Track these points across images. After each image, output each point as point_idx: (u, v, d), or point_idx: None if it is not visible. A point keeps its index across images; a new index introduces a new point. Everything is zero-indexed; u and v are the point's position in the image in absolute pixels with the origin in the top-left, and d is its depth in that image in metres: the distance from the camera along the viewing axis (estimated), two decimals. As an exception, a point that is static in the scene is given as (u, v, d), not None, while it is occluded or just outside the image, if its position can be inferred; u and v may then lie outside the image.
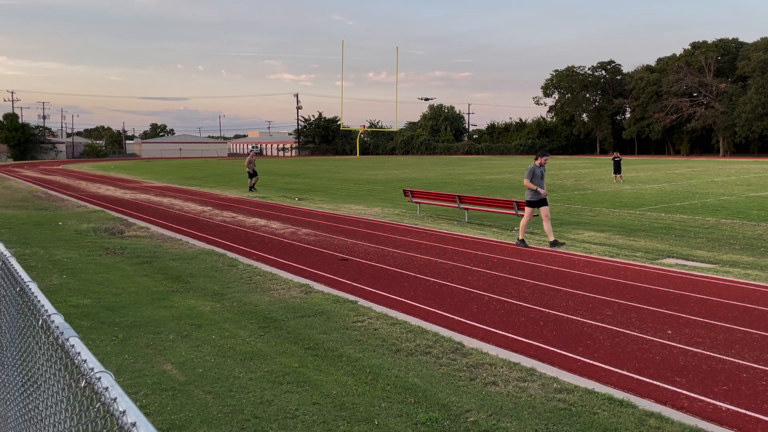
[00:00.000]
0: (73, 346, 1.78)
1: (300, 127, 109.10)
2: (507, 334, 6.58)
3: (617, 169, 30.16)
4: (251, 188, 26.50)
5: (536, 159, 12.17)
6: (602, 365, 5.68)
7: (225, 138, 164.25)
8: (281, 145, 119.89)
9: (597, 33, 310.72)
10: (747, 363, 5.68)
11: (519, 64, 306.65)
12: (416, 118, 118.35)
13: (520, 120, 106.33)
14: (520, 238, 11.96)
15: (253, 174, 26.78)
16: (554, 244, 11.78)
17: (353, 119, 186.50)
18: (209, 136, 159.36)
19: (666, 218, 16.13)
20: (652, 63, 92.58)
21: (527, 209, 12.14)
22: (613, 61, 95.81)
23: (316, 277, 9.36)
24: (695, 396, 4.99)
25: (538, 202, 12.01)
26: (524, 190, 24.59)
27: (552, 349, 6.13)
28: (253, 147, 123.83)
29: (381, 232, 13.73)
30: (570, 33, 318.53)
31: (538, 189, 11.95)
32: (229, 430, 4.36)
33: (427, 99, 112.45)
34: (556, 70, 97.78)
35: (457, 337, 6.48)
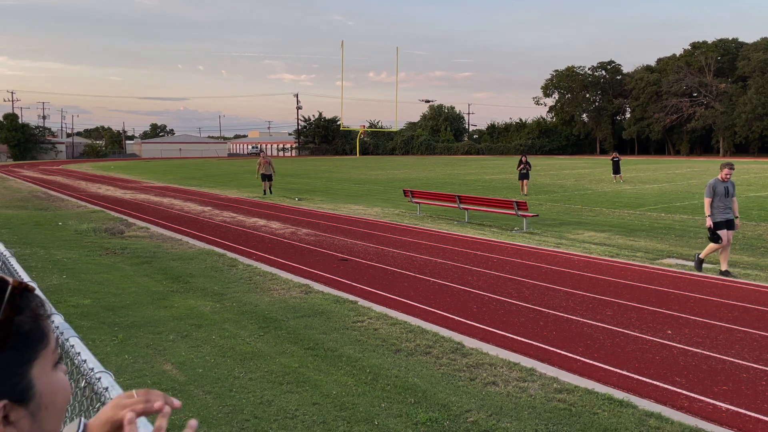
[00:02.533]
0: (73, 346, 1.78)
1: (300, 127, 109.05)
2: (507, 334, 6.58)
3: (616, 169, 30.07)
4: (269, 191, 24.19)
5: (720, 170, 9.82)
6: (602, 365, 5.68)
7: (225, 138, 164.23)
8: (281, 145, 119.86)
9: (597, 33, 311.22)
10: (747, 363, 5.68)
11: (519, 64, 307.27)
12: (416, 118, 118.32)
13: (520, 120, 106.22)
14: (723, 269, 9.49)
15: (267, 177, 24.43)
16: (725, 273, 9.48)
17: (353, 119, 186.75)
18: (209, 136, 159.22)
19: (666, 218, 16.13)
20: (652, 63, 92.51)
21: (720, 233, 9.52)
22: (613, 61, 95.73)
23: (316, 277, 9.36)
24: (695, 396, 4.99)
25: (726, 223, 9.62)
26: (516, 191, 24.29)
27: (552, 349, 6.13)
28: (253, 147, 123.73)
29: (381, 232, 13.72)
30: (570, 33, 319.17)
31: (711, 215, 9.63)
32: (229, 430, 4.36)
33: (428, 101, 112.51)
34: (556, 70, 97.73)
35: (457, 337, 6.48)
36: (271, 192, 24.13)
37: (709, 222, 9.69)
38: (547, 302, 7.83)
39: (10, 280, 0.67)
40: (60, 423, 0.73)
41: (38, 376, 0.68)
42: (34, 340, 0.68)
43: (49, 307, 0.72)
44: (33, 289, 0.70)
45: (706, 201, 9.74)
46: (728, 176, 9.75)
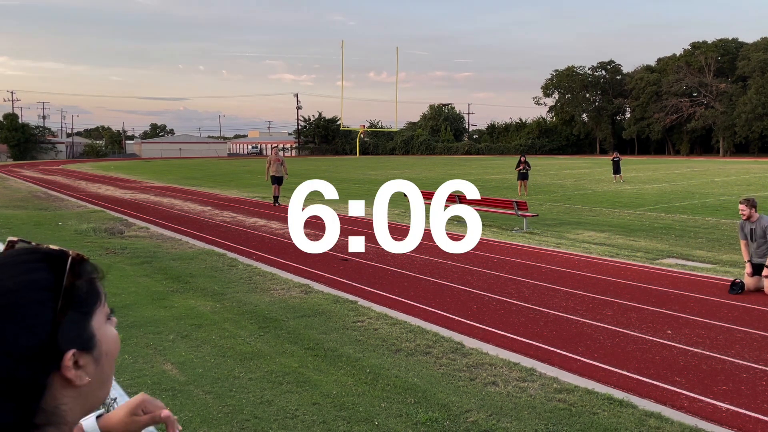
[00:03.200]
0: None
1: (300, 127, 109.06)
2: (507, 334, 6.58)
3: (616, 169, 29.92)
4: (276, 201, 20.20)
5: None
6: (602, 365, 5.68)
7: (225, 138, 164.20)
8: (281, 145, 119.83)
9: (597, 33, 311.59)
10: (747, 363, 5.68)
11: (519, 64, 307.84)
12: (416, 118, 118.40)
13: (520, 120, 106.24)
14: None
15: (277, 180, 20.30)
16: None
17: (353, 119, 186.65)
18: (209, 136, 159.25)
19: (666, 218, 16.13)
20: (652, 63, 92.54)
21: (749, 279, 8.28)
22: (613, 61, 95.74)
23: (316, 277, 9.36)
24: (695, 396, 4.99)
25: (753, 267, 8.36)
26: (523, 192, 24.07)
27: (552, 349, 6.13)
28: (253, 147, 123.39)
29: (381, 232, 13.70)
30: (570, 33, 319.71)
31: (749, 259, 8.44)
32: (229, 430, 4.36)
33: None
34: (556, 70, 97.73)
35: (457, 337, 6.48)
36: (279, 203, 20.18)
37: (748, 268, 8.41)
38: (547, 302, 7.83)
39: (70, 251, 0.82)
40: (113, 369, 0.88)
41: (97, 328, 0.83)
42: (92, 299, 0.83)
43: (101, 269, 0.88)
44: (88, 258, 0.84)
45: (741, 243, 8.76)
46: (743, 214, 8.50)
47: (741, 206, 8.59)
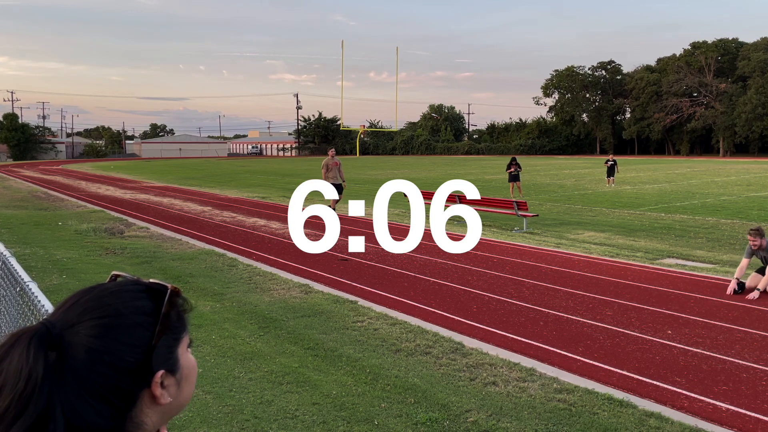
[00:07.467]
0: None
1: (300, 127, 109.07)
2: (507, 334, 6.58)
3: (610, 173, 28.95)
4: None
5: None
6: (602, 365, 5.68)
7: (225, 138, 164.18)
8: (281, 145, 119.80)
9: (597, 33, 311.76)
10: (747, 363, 5.68)
11: (519, 64, 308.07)
12: (416, 118, 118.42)
13: (520, 120, 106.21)
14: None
15: (337, 189, 16.84)
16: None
17: (353, 119, 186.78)
18: (209, 136, 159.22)
19: (666, 218, 16.13)
20: (652, 63, 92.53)
21: None
22: (613, 61, 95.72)
23: (316, 277, 9.36)
24: (695, 396, 4.99)
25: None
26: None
27: (552, 349, 6.13)
28: (253, 147, 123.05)
29: (381, 232, 13.69)
30: (570, 33, 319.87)
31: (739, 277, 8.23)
32: (229, 430, 4.36)
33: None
34: (556, 70, 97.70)
35: (457, 337, 6.48)
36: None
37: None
38: (547, 302, 7.82)
39: (169, 285, 0.92)
40: (191, 395, 0.96)
41: (181, 354, 0.92)
42: (180, 328, 0.93)
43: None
44: (180, 291, 0.94)
45: (743, 260, 8.39)
46: (753, 245, 8.25)
47: (750, 238, 8.29)
